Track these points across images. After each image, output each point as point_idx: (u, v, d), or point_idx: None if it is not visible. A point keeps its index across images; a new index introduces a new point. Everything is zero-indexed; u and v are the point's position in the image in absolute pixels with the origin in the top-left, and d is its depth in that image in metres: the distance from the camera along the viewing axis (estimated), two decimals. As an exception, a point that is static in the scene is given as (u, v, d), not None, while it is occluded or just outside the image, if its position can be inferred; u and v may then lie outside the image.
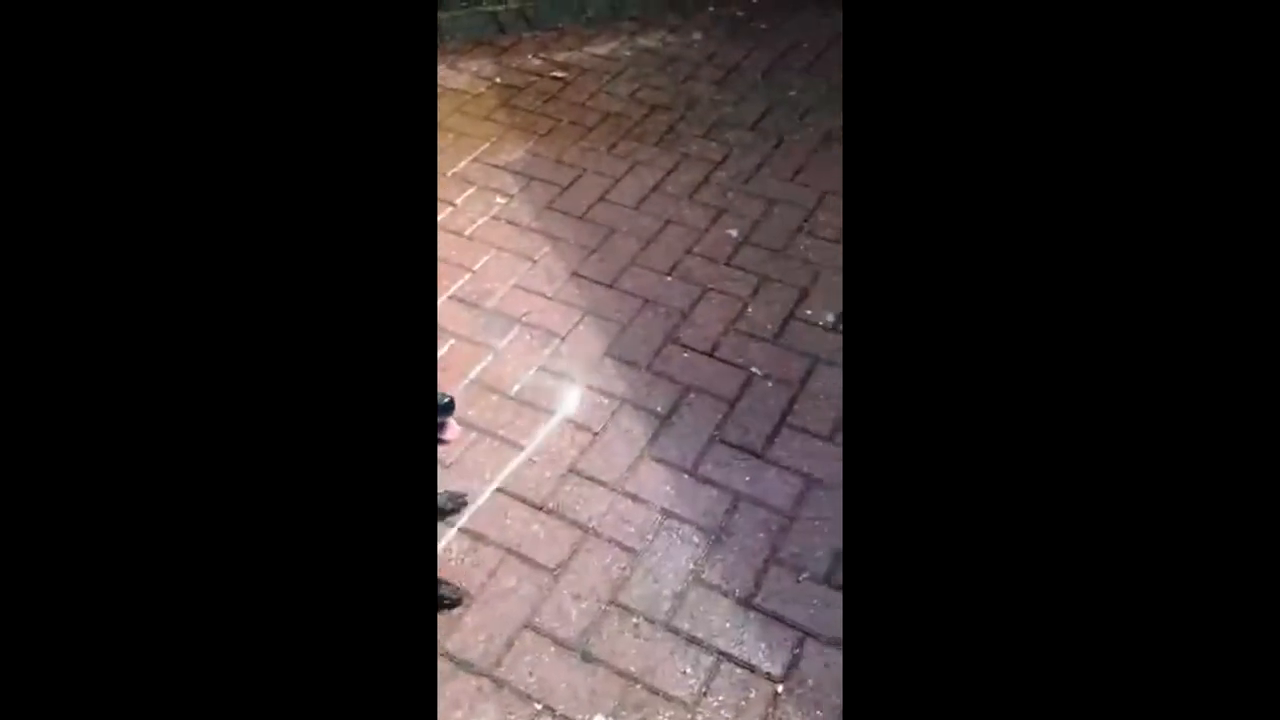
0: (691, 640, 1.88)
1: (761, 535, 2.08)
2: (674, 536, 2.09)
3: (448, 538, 2.10)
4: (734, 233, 3.02)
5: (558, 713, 1.78)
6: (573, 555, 2.06)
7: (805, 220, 3.07)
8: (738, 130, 3.50)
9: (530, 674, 1.84)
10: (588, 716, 1.76)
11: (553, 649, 1.88)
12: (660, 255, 2.93)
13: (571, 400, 2.44)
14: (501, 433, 2.35)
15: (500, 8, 4.00)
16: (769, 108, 3.63)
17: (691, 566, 2.02)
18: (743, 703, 1.78)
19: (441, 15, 3.88)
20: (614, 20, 4.16)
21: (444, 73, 3.82)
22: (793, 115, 3.59)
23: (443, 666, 1.86)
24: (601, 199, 3.17)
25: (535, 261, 2.90)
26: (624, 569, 2.02)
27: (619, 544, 2.08)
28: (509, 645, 1.89)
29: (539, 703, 1.79)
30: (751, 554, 2.04)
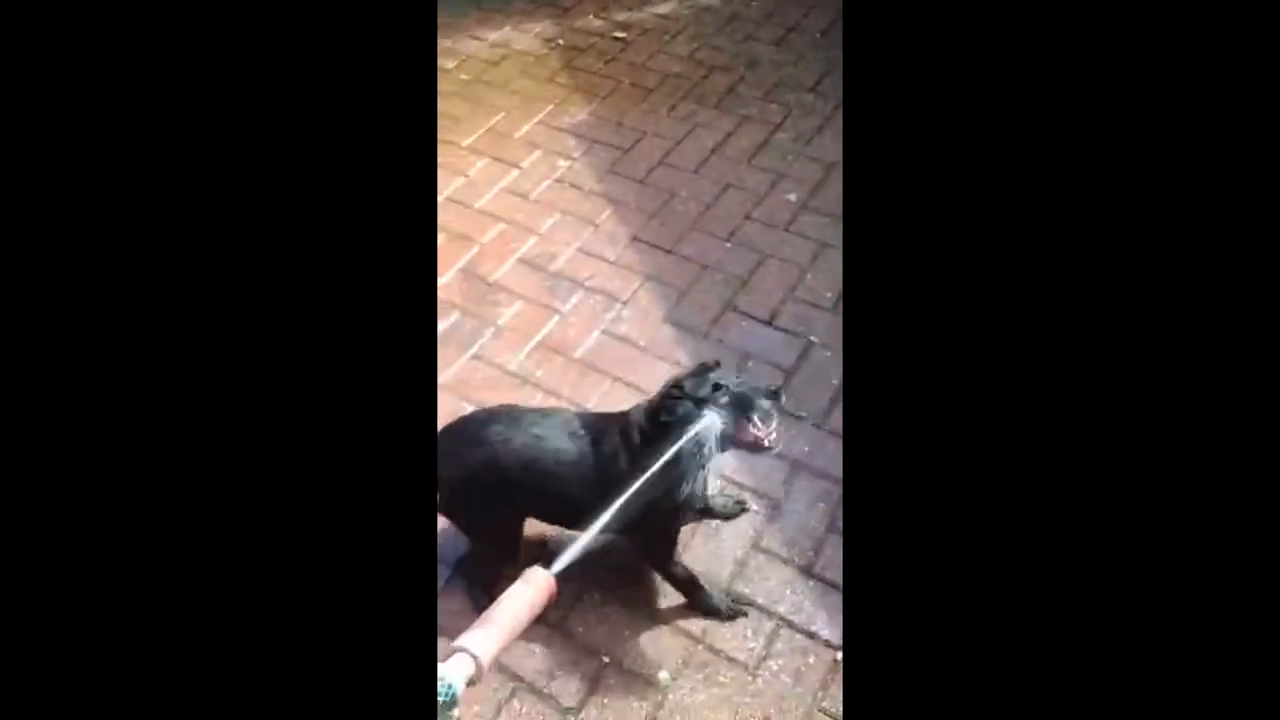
0: (751, 605, 1.96)
1: (821, 505, 2.13)
2: (735, 503, 2.15)
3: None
4: (793, 198, 3.03)
5: (624, 666, 1.87)
6: (637, 517, 2.13)
7: (863, 186, 3.06)
8: (797, 92, 3.48)
9: (598, 627, 1.93)
10: (652, 672, 1.85)
11: (619, 604, 1.96)
12: (720, 220, 2.95)
13: (634, 365, 2.49)
14: (567, 394, 2.42)
15: (561, -35, 3.98)
16: (828, 69, 3.59)
17: (752, 533, 2.09)
18: (802, 668, 1.85)
19: (505, -23, 3.89)
20: (675, -23, 4.12)
21: (509, 34, 3.83)
22: (852, 77, 3.55)
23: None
24: (661, 162, 3.18)
25: (597, 225, 2.94)
26: (687, 531, 2.09)
27: (682, 509, 2.14)
28: (578, 597, 1.97)
29: (606, 656, 1.88)
30: (810, 524, 2.10)
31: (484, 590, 1.90)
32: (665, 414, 1.68)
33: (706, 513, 2.08)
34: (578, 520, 1.52)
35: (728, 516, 2.11)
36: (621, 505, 1.49)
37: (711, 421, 1.64)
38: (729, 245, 2.86)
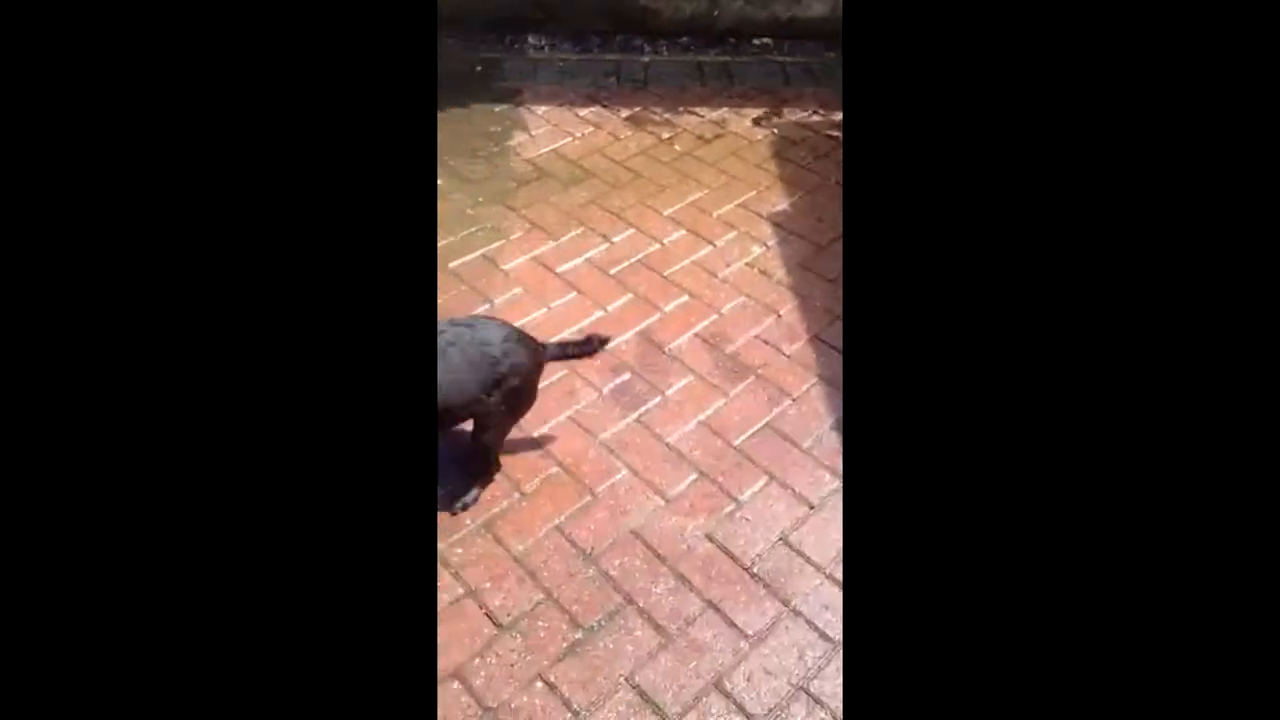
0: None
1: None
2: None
3: (659, 572, 2.07)
4: (979, 327, 2.84)
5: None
6: (771, 628, 1.99)
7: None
8: (1000, 222, 3.29)
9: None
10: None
11: (738, 719, 1.81)
12: (902, 336, 2.79)
13: (793, 466, 2.36)
14: (720, 480, 2.30)
15: (789, 59, 3.94)
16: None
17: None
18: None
19: (732, 59, 3.86)
20: (896, 87, 4.02)
21: (726, 115, 3.81)
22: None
23: (631, 698, 1.84)
24: (853, 266, 3.05)
25: (780, 316, 2.83)
26: (820, 658, 1.93)
27: (819, 630, 1.98)
28: (696, 699, 1.84)
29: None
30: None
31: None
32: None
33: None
34: None
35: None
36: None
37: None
38: (907, 363, 2.69)
